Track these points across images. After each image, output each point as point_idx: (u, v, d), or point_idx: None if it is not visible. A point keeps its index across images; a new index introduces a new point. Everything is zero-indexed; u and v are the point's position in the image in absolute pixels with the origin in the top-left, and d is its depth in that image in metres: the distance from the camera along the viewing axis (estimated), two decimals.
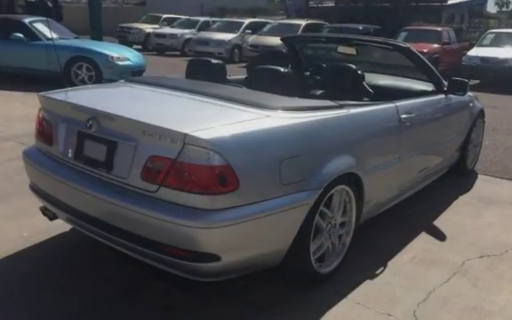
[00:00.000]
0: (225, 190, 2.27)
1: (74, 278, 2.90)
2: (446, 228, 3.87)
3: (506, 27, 26.29)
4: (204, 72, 3.77)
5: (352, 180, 2.98)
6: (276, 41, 13.12)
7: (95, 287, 2.80)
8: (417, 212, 4.15)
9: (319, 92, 3.92)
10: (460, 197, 4.61)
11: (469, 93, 4.74)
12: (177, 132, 2.28)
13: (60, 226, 3.24)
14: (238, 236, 2.36)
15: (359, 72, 3.72)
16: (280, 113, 2.68)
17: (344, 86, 3.63)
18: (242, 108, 2.69)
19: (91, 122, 2.58)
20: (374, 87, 4.04)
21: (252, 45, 16.98)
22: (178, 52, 19.59)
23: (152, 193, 2.35)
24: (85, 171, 2.66)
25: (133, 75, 9.12)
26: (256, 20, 21.06)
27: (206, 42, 18.23)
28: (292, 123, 2.65)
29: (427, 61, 4.31)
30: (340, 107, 3.06)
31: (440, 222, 4.00)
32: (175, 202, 2.29)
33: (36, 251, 3.19)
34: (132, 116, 2.48)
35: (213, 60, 4.01)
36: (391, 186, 3.60)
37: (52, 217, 3.01)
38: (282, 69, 3.54)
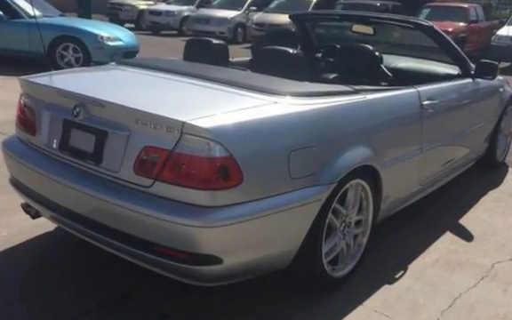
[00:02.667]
0: (227, 185, 2.26)
1: (60, 283, 2.89)
2: (473, 226, 3.86)
3: None
4: (204, 54, 3.76)
5: (369, 173, 2.98)
6: (283, 19, 13.08)
7: (82, 294, 2.80)
8: (441, 210, 4.13)
9: (332, 76, 3.90)
10: (489, 193, 4.59)
11: (499, 77, 4.72)
12: (174, 120, 2.27)
13: (44, 225, 3.24)
14: (242, 236, 2.36)
15: (377, 53, 3.72)
16: (289, 99, 2.67)
17: (360, 69, 3.64)
18: (246, 93, 2.68)
19: (78, 109, 2.57)
20: (393, 70, 4.04)
21: (257, 24, 16.95)
22: (175, 32, 19.53)
23: (146, 188, 2.35)
24: (72, 163, 2.65)
25: (125, 56, 9.11)
26: None
27: (206, 20, 18.18)
28: (302, 110, 2.64)
29: (452, 42, 4.28)
30: (356, 92, 3.05)
31: (466, 221, 3.98)
32: (172, 198, 2.29)
33: (17, 252, 3.19)
34: (124, 103, 2.48)
35: (214, 41, 4.00)
36: (412, 180, 3.59)
37: (35, 215, 3.01)
38: (290, 50, 3.52)
